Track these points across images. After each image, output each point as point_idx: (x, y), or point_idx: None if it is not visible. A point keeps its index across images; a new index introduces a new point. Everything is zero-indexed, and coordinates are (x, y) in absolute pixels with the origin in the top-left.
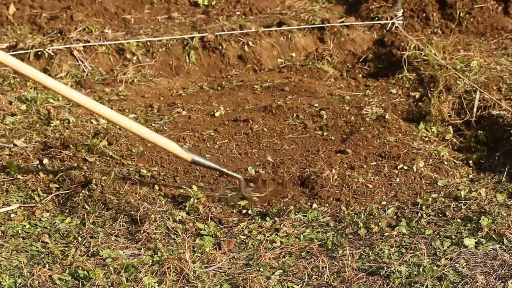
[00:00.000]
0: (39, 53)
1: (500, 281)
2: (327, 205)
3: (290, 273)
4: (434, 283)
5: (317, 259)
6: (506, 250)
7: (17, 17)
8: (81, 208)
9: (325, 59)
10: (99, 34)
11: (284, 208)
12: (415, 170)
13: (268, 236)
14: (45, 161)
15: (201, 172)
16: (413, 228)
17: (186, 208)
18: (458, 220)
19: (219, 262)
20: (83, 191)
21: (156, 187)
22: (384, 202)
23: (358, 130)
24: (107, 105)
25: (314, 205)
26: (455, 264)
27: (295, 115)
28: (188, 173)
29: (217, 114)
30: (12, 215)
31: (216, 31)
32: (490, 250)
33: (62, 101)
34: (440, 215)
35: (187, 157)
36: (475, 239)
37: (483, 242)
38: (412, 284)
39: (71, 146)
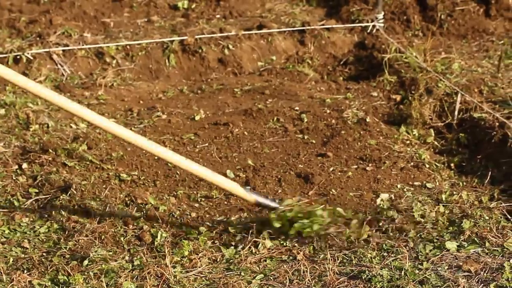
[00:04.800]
0: (18, 57)
1: (482, 284)
2: None
3: (271, 277)
4: (416, 287)
5: (298, 263)
6: (488, 253)
7: None
8: (61, 213)
9: (306, 62)
10: (78, 37)
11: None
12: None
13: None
14: (24, 165)
15: (181, 176)
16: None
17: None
18: (440, 223)
19: (199, 267)
20: (62, 195)
21: (136, 191)
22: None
23: (339, 133)
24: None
25: None
26: (437, 268)
27: (275, 118)
28: (168, 177)
29: (197, 118)
30: None
31: (196, 35)
32: (472, 253)
33: (41, 105)
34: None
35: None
36: (457, 242)
37: (465, 245)
38: None
39: (50, 150)
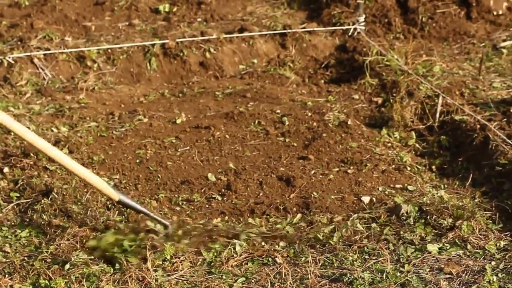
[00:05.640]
0: None
1: (464, 287)
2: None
3: (253, 280)
4: None
5: (280, 266)
6: (470, 256)
7: None
8: (42, 217)
9: (287, 65)
10: (59, 41)
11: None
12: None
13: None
14: (6, 169)
15: (163, 180)
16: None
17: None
18: (421, 225)
19: (181, 270)
20: (44, 199)
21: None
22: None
23: (320, 136)
24: (68, 113)
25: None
26: (419, 270)
27: (257, 121)
28: (149, 180)
29: (178, 121)
30: None
31: (177, 38)
32: (454, 256)
33: (23, 109)
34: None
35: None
36: (438, 244)
37: (447, 248)
38: None
39: (31, 154)
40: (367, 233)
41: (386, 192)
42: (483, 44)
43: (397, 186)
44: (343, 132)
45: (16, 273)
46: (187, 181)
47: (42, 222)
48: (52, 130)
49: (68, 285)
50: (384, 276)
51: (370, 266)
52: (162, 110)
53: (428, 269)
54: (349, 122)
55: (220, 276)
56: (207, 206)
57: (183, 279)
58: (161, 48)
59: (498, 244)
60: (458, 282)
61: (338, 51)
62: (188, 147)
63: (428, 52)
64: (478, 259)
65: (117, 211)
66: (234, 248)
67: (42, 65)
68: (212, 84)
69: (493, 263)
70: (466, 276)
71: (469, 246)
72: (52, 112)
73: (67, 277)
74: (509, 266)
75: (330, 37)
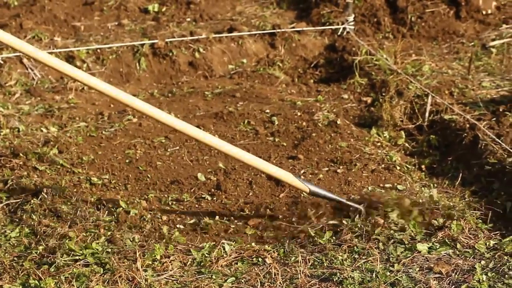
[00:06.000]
0: None
1: (453, 286)
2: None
3: (243, 280)
4: None
5: (270, 266)
6: (459, 255)
7: None
8: (32, 217)
9: (276, 65)
10: (48, 41)
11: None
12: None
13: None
14: None
15: (152, 180)
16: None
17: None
18: (411, 225)
19: (171, 270)
20: (33, 200)
21: (108, 194)
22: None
23: (309, 135)
24: (57, 113)
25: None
26: (408, 270)
27: (246, 121)
28: (139, 180)
29: None
30: None
31: (167, 38)
32: (443, 255)
33: (12, 110)
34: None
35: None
36: (428, 244)
37: (436, 247)
38: None
39: (21, 154)
40: (357, 233)
41: (376, 192)
42: (472, 43)
43: (387, 185)
44: (332, 131)
45: (6, 273)
46: (176, 181)
47: (32, 222)
48: (42, 130)
49: (58, 285)
50: (374, 275)
51: (360, 265)
52: None
53: (418, 269)
54: (338, 122)
55: (210, 276)
56: (196, 206)
57: (173, 279)
58: (151, 48)
59: (487, 244)
60: (448, 282)
61: (328, 51)
62: (177, 147)
63: (417, 52)
64: (467, 258)
65: (106, 211)
66: (224, 248)
67: (31, 65)
68: (202, 84)
69: (482, 262)
70: (456, 276)
71: (458, 246)
72: (42, 112)
73: (56, 277)
74: (498, 265)
75: (320, 36)
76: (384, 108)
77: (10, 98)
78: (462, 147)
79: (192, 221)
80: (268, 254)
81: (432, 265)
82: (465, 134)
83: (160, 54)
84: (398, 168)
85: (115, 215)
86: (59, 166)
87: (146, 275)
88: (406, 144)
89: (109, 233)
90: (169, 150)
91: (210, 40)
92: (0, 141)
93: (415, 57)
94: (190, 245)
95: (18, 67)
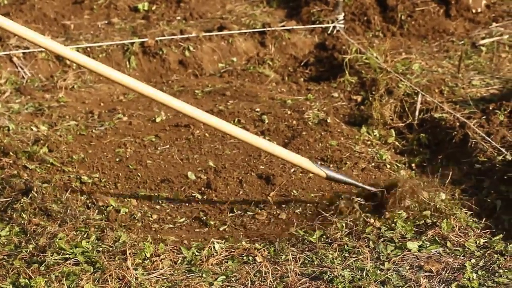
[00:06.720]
0: None
1: (443, 284)
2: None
3: (233, 279)
4: (377, 287)
5: (260, 264)
6: (450, 253)
7: None
8: (22, 216)
9: (266, 63)
10: None
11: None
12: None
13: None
14: None
15: (143, 178)
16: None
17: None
18: (401, 223)
19: (161, 269)
20: (23, 198)
21: (98, 193)
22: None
23: (300, 134)
24: (47, 112)
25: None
26: (399, 268)
27: (236, 119)
28: (129, 179)
29: (158, 120)
30: None
31: (157, 36)
32: (434, 253)
33: (2, 108)
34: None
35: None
36: (418, 242)
37: (427, 245)
38: None
39: (11, 153)
40: (348, 231)
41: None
42: (462, 42)
43: None
44: (322, 130)
45: None
46: (167, 180)
47: (22, 221)
48: (32, 129)
49: (48, 284)
50: (364, 274)
51: (350, 264)
52: (142, 108)
53: (408, 267)
54: (328, 120)
55: (200, 275)
56: (187, 204)
57: (163, 277)
58: (140, 47)
59: (477, 242)
60: (438, 280)
61: (318, 49)
62: (167, 146)
63: (407, 50)
64: (458, 256)
65: (96, 210)
66: (214, 247)
67: (21, 64)
68: (192, 82)
69: (473, 260)
70: (446, 274)
71: (449, 244)
72: (32, 111)
73: (47, 276)
74: (488, 263)
75: (310, 35)
76: (374, 106)
77: (0, 96)
78: (452, 145)
79: (182, 220)
80: (259, 252)
81: (422, 264)
82: (455, 133)
83: (150, 52)
84: (388, 166)
85: (105, 214)
86: (49, 165)
87: (136, 274)
88: (396, 143)
89: (99, 231)
90: (159, 148)
91: (200, 39)
92: None
93: (405, 55)
94: (180, 244)
95: (8, 66)
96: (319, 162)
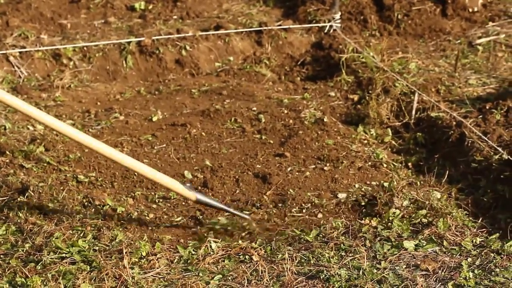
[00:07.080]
0: None
1: (440, 283)
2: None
3: (230, 278)
4: (374, 286)
5: (257, 263)
6: (446, 252)
7: None
8: (19, 215)
9: (263, 63)
10: (35, 39)
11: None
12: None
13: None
14: None
15: (139, 178)
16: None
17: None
18: (398, 222)
19: (158, 268)
20: (20, 197)
21: (94, 192)
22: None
23: (296, 133)
24: (44, 111)
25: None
26: (395, 267)
27: (233, 119)
28: (126, 178)
29: (154, 119)
30: None
31: (153, 36)
32: (430, 252)
33: None
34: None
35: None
36: (415, 241)
37: (423, 244)
38: (352, 287)
39: (7, 152)
40: (344, 230)
41: (363, 189)
42: (459, 41)
43: (373, 183)
44: (319, 129)
45: None
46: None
47: (18, 220)
48: (28, 128)
49: (44, 283)
50: (360, 272)
51: (347, 263)
52: (138, 107)
53: (405, 266)
54: (325, 119)
55: (196, 274)
56: (183, 203)
57: (160, 276)
58: (137, 46)
59: (474, 241)
60: (435, 279)
61: (314, 49)
62: (164, 145)
63: (404, 49)
64: (454, 255)
65: (93, 209)
66: (211, 246)
67: (17, 63)
68: (188, 81)
69: (469, 259)
70: (443, 273)
71: (445, 243)
72: None
73: (43, 275)
74: (485, 262)
75: (306, 34)
76: (370, 105)
77: None
78: (448, 144)
79: (178, 219)
80: (255, 251)
81: (419, 263)
82: (452, 132)
83: (146, 51)
84: (385, 165)
85: (102, 213)
86: (45, 164)
87: (133, 273)
88: (393, 142)
89: (95, 230)
90: (155, 148)
91: (196, 38)
92: None
93: (402, 54)
94: (177, 243)
95: (4, 65)
96: (188, 184)
